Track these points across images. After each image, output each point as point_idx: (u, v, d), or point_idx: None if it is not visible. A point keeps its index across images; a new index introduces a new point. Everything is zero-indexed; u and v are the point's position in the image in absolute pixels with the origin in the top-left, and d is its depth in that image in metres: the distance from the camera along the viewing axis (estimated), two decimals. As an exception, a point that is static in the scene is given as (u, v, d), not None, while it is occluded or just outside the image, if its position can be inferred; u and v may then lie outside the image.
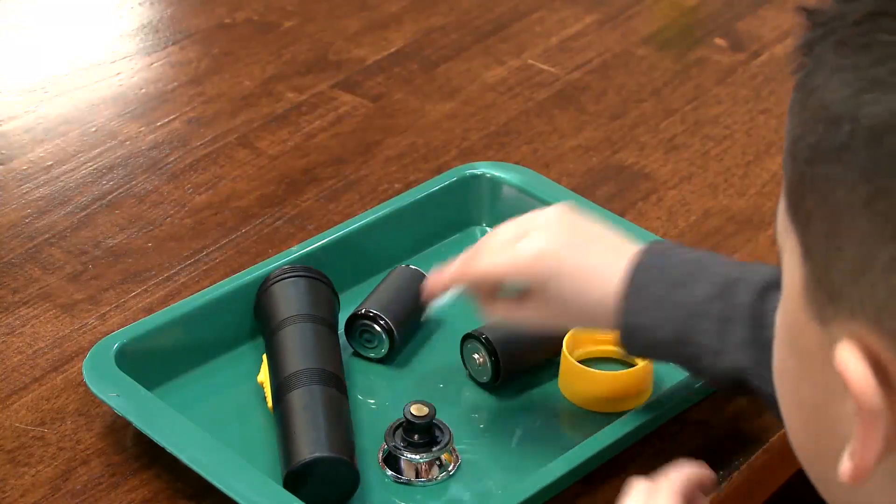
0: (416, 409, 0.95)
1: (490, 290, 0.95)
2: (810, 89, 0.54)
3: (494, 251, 0.94)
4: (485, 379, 1.02)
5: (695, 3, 1.52)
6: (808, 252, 0.54)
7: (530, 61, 1.41)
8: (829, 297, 0.53)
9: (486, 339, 1.01)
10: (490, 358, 1.01)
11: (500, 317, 0.96)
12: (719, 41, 1.45)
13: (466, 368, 1.03)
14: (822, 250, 0.53)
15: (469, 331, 1.03)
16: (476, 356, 1.02)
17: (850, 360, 0.52)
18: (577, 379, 1.01)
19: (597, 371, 1.00)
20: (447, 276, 0.97)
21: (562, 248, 0.93)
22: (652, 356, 0.95)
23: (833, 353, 0.53)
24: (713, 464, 0.98)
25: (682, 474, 0.82)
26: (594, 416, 1.00)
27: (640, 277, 0.90)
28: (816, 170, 0.53)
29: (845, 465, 0.53)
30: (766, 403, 0.88)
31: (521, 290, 0.94)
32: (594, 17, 1.47)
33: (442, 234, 1.16)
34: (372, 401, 1.02)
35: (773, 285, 0.88)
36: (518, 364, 1.02)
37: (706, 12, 1.50)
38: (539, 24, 1.46)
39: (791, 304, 0.57)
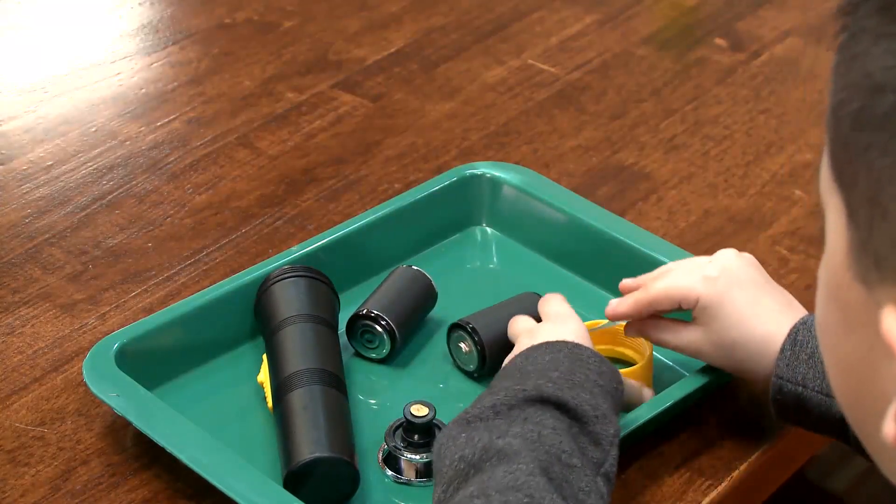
0: (417, 410, 0.95)
1: (664, 311, 0.98)
2: (853, 55, 0.54)
3: (684, 270, 0.97)
4: (471, 368, 1.03)
5: (695, 3, 1.52)
6: (853, 215, 0.55)
7: (530, 61, 1.41)
8: (874, 262, 0.54)
9: (472, 328, 1.02)
10: (476, 347, 1.02)
11: (663, 337, 0.97)
12: (719, 41, 1.45)
13: (453, 357, 1.04)
14: (867, 215, 0.54)
15: (455, 321, 1.03)
16: (462, 345, 1.03)
17: (891, 320, 0.52)
18: None
19: None
20: (629, 300, 0.98)
21: (743, 279, 0.95)
22: (802, 417, 0.94)
23: (877, 315, 0.53)
24: (713, 464, 0.98)
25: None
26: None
27: (802, 333, 0.92)
28: (860, 136, 0.53)
29: (889, 427, 0.54)
30: None
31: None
32: (594, 17, 1.47)
33: (442, 234, 1.16)
34: (372, 401, 1.02)
35: None
36: (504, 353, 1.02)
37: (706, 12, 1.50)
38: (539, 24, 1.46)
39: (835, 263, 0.57)
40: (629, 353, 1.04)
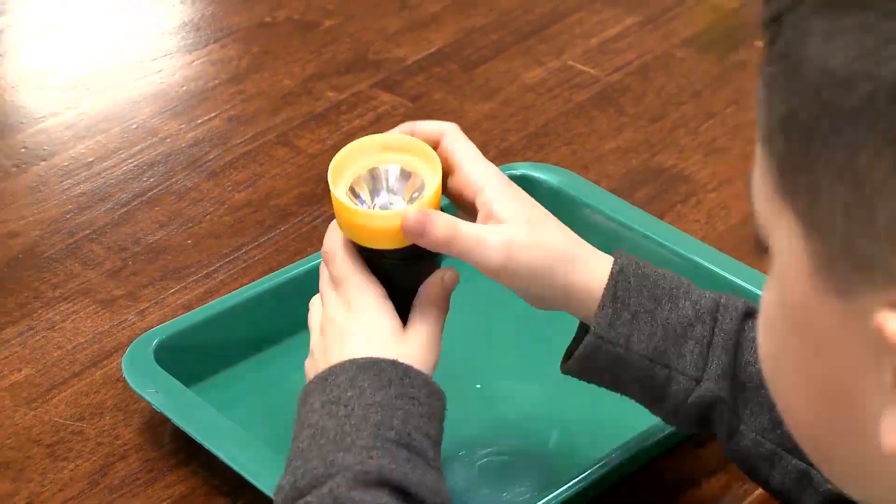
0: None
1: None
2: (798, 60, 0.52)
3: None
4: None
5: (736, 5, 1.51)
6: (817, 228, 0.52)
7: (570, 62, 1.40)
8: (855, 268, 0.51)
9: None
10: None
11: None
12: (760, 44, 1.44)
13: None
14: (843, 221, 0.51)
15: None
16: None
17: (891, 324, 0.49)
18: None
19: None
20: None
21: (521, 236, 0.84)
22: (606, 376, 0.85)
23: (859, 325, 0.51)
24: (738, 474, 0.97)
25: None
26: (608, 432, 0.97)
27: (622, 288, 0.83)
28: (824, 140, 0.51)
29: (888, 438, 0.51)
30: (722, 436, 0.85)
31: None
32: (635, 19, 1.47)
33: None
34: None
35: (752, 314, 0.84)
36: None
37: (748, 14, 1.50)
38: (579, 26, 1.46)
39: (794, 287, 0.54)
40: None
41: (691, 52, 1.42)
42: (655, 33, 1.45)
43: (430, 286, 0.85)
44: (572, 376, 0.87)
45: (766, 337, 0.58)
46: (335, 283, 0.85)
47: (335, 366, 0.81)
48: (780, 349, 0.57)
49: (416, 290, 0.85)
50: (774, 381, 0.58)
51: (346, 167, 0.87)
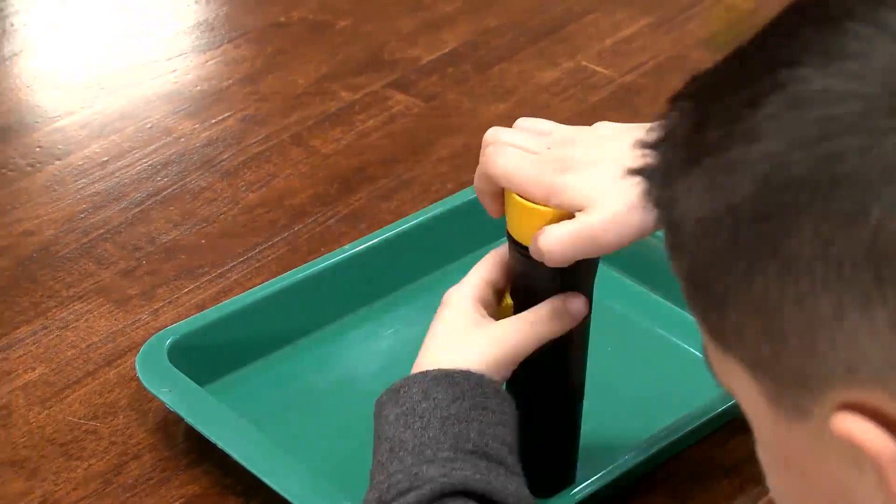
0: None
1: None
2: (678, 224, 0.54)
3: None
4: None
5: (752, 6, 1.51)
6: (756, 366, 0.53)
7: (584, 63, 1.40)
8: (796, 387, 0.52)
9: None
10: None
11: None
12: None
13: None
14: (768, 350, 0.52)
15: None
16: None
17: (848, 423, 0.50)
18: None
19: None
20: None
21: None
22: None
23: (827, 441, 0.51)
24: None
25: (478, 277, 0.86)
26: (618, 435, 0.97)
27: None
28: (724, 285, 0.52)
29: None
30: None
31: None
32: (649, 20, 1.47)
33: (495, 234, 1.15)
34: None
35: None
36: None
37: (763, 16, 1.49)
38: (593, 26, 1.46)
39: (767, 428, 0.55)
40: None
41: (706, 54, 1.42)
42: (670, 34, 1.45)
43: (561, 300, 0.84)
44: None
45: (770, 481, 0.58)
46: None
47: (408, 377, 0.81)
48: (781, 490, 0.58)
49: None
50: None
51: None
